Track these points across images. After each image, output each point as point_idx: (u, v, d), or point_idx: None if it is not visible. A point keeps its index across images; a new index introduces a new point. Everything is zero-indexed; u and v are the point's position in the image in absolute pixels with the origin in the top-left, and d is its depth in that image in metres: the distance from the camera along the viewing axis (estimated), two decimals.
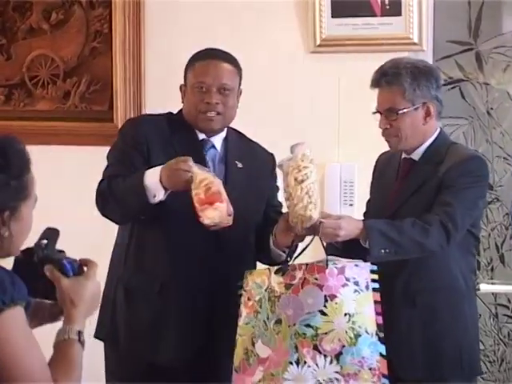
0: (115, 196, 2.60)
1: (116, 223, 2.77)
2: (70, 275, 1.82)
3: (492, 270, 3.84)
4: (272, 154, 2.90)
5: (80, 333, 1.79)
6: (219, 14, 3.72)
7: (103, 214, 2.69)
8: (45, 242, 1.82)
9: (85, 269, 1.85)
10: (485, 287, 3.55)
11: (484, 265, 3.82)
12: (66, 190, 3.61)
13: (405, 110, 2.67)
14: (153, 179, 2.53)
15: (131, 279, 2.74)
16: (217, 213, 2.42)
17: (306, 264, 2.49)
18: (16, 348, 1.64)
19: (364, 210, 2.98)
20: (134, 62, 3.81)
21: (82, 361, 1.79)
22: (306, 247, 2.58)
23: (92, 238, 3.49)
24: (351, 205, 3.60)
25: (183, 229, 2.64)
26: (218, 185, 2.46)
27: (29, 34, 4.00)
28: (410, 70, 2.69)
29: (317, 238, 2.58)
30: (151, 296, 2.69)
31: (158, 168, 2.55)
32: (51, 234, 1.86)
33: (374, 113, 2.75)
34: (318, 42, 3.61)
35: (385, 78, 2.69)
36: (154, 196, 2.52)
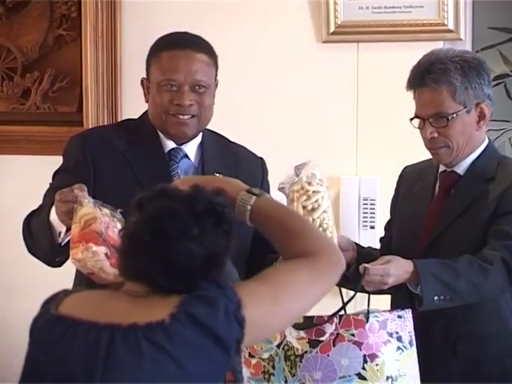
0: (31, 235, 2.43)
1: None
2: None
3: None
4: (261, 159, 2.72)
5: None
6: None
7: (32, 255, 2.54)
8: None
9: None
10: None
11: None
12: (25, 206, 3.24)
13: (456, 115, 2.51)
14: (55, 214, 2.34)
15: None
16: (87, 255, 2.14)
17: (340, 316, 2.35)
18: None
19: None
20: (108, 53, 3.70)
21: None
22: (347, 303, 2.38)
23: None
24: (372, 227, 3.43)
25: None
26: (102, 226, 2.19)
27: None
28: (459, 64, 2.52)
29: None
30: None
31: None
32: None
33: (413, 119, 2.57)
34: (331, 29, 3.48)
35: (430, 75, 2.51)
36: (60, 234, 2.32)
